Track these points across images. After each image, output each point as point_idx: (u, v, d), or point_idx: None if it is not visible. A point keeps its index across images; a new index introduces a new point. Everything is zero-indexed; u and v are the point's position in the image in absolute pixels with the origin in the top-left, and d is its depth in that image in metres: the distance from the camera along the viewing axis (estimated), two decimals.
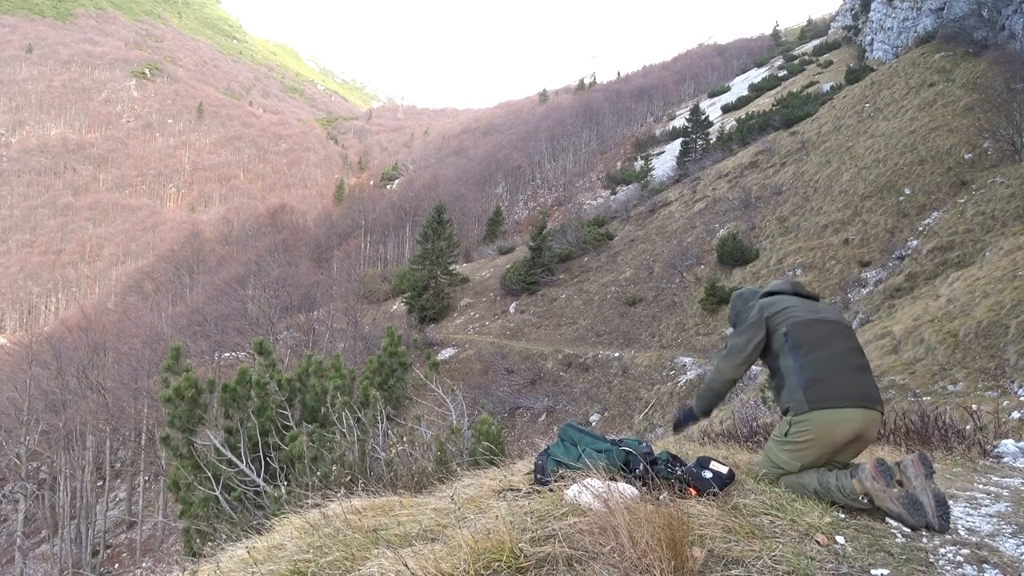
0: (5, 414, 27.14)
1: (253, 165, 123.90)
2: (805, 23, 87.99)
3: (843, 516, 2.28)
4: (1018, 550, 2.04)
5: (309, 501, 3.15)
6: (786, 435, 2.40)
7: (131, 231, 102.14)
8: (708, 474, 2.44)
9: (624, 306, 26.26)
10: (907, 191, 21.90)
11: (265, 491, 4.87)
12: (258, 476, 5.18)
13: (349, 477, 3.95)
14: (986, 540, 2.13)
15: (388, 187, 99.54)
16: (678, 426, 2.86)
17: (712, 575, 1.79)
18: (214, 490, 5.04)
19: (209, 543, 3.72)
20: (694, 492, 2.39)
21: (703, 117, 49.45)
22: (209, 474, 5.24)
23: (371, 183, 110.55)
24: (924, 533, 2.18)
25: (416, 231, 47.95)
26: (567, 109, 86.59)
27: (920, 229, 19.94)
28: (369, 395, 6.23)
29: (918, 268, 17.93)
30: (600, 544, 1.85)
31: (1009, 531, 2.22)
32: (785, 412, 2.44)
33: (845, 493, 2.25)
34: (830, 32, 68.76)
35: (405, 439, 4.73)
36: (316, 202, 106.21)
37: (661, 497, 2.20)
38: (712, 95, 71.62)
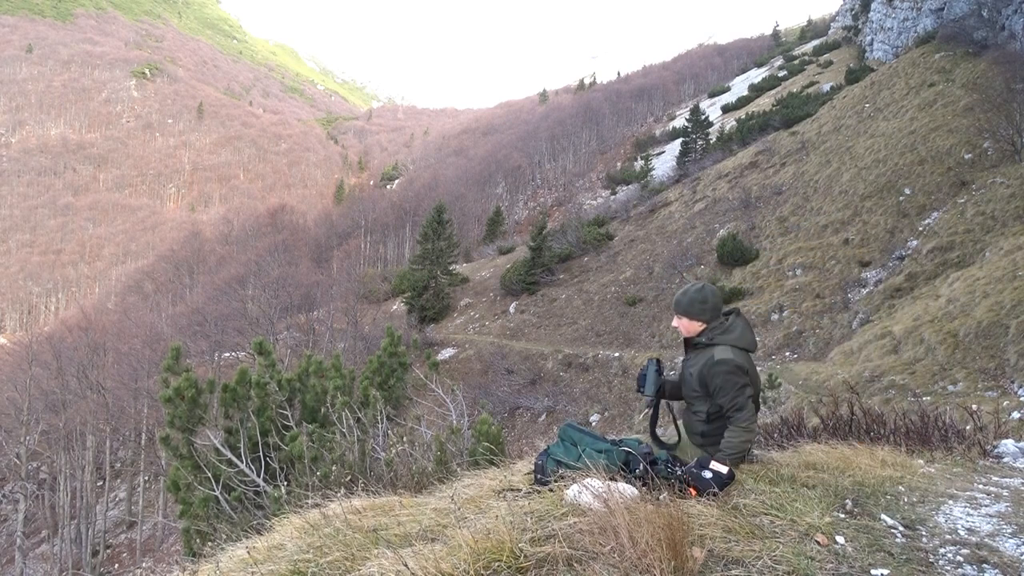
0: (5, 414, 27.12)
1: (253, 165, 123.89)
2: (805, 23, 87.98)
3: (843, 516, 2.28)
4: (1018, 550, 2.04)
5: (309, 501, 3.15)
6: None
7: (131, 231, 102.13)
8: (708, 474, 2.44)
9: (624, 306, 26.25)
10: (907, 191, 21.90)
11: (265, 491, 4.87)
12: (258, 476, 5.18)
13: (349, 477, 3.95)
14: (986, 540, 2.12)
15: (388, 187, 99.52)
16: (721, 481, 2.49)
17: (712, 575, 1.79)
18: (214, 490, 5.03)
19: (209, 543, 3.72)
20: (694, 492, 2.39)
21: (703, 117, 49.41)
22: (209, 474, 5.24)
23: (371, 183, 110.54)
24: (924, 533, 2.17)
25: (416, 231, 47.92)
26: (567, 109, 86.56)
27: (920, 229, 19.93)
28: (369, 395, 6.23)
29: (918, 268, 17.93)
30: (600, 544, 1.84)
31: (1009, 531, 2.22)
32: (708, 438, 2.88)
33: None
34: (830, 32, 68.73)
35: (405, 439, 4.72)
36: (316, 202, 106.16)
37: (661, 497, 2.20)
38: (712, 95, 71.59)
